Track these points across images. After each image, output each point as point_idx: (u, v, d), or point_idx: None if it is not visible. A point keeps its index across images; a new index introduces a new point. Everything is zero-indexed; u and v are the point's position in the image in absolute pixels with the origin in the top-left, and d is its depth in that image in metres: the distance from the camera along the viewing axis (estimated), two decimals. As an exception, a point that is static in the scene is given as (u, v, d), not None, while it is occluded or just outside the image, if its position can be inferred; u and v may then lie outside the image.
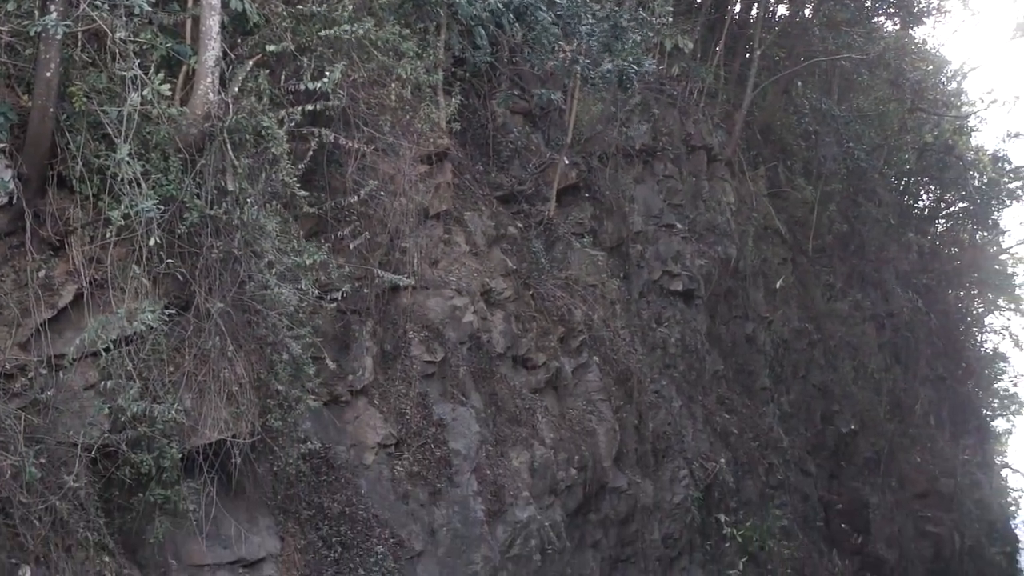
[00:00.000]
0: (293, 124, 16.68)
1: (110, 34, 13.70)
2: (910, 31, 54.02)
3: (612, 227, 30.03)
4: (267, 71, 16.17)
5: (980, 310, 70.63)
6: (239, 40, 16.33)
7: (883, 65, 48.80)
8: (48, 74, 13.15)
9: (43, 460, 12.64)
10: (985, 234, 66.96)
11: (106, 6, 13.57)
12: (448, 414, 20.27)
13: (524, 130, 27.65)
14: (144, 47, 14.38)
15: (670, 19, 30.30)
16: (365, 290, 19.16)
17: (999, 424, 74.00)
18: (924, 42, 57.47)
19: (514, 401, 22.51)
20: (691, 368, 32.61)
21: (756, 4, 44.09)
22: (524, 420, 22.50)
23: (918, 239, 59.56)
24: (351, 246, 18.90)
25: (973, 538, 50.95)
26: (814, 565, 36.03)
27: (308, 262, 16.18)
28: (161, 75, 13.99)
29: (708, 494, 30.26)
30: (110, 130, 13.70)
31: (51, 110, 13.33)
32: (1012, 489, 71.25)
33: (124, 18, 13.92)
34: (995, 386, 72.52)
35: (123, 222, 13.54)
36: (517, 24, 24.90)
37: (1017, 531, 64.79)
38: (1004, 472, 71.47)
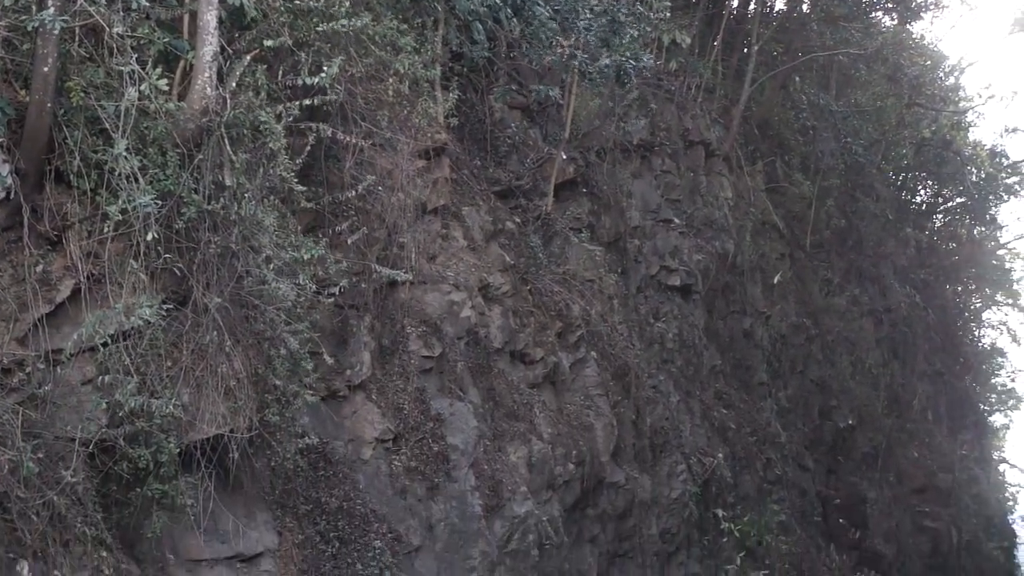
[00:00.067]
0: (291, 119, 16.69)
1: (107, 29, 13.71)
2: (908, 26, 54.00)
3: (610, 222, 30.04)
4: (265, 66, 16.17)
5: (978, 305, 70.62)
6: (237, 35, 16.32)
7: (881, 60, 48.81)
8: (45, 69, 13.15)
9: (41, 455, 12.64)
10: (983, 229, 66.96)
11: (103, 1, 13.58)
12: (446, 409, 20.27)
13: (522, 125, 27.65)
14: (142, 42, 14.37)
15: (668, 14, 30.27)
16: (363, 285, 19.16)
17: (997, 419, 74.02)
18: (922, 37, 57.50)
19: (512, 396, 22.51)
20: (689, 363, 32.61)
21: (753, -1, 44.16)
22: (522, 415, 22.50)
23: (916, 234, 59.56)
24: (349, 241, 18.89)
25: (971, 533, 50.97)
26: (812, 560, 36.04)
27: (306, 257, 16.17)
28: (159, 70, 13.99)
29: (706, 489, 30.26)
30: (107, 125, 13.69)
31: (48, 105, 13.32)
32: (1010, 484, 71.27)
33: (121, 13, 13.93)
34: (993, 381, 72.51)
35: (121, 217, 13.54)
36: (515, 19, 24.92)
37: (1015, 526, 64.84)
38: (1002, 467, 71.48)
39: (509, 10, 24.44)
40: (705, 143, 37.27)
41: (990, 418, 71.54)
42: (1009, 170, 62.52)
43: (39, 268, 13.51)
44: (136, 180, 13.61)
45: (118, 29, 13.73)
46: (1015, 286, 69.37)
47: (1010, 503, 69.08)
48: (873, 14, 50.54)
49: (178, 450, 14.04)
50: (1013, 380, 73.40)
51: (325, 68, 16.84)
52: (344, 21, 17.05)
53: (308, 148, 17.73)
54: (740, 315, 37.35)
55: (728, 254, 36.10)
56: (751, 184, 40.26)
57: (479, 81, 26.08)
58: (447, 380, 20.65)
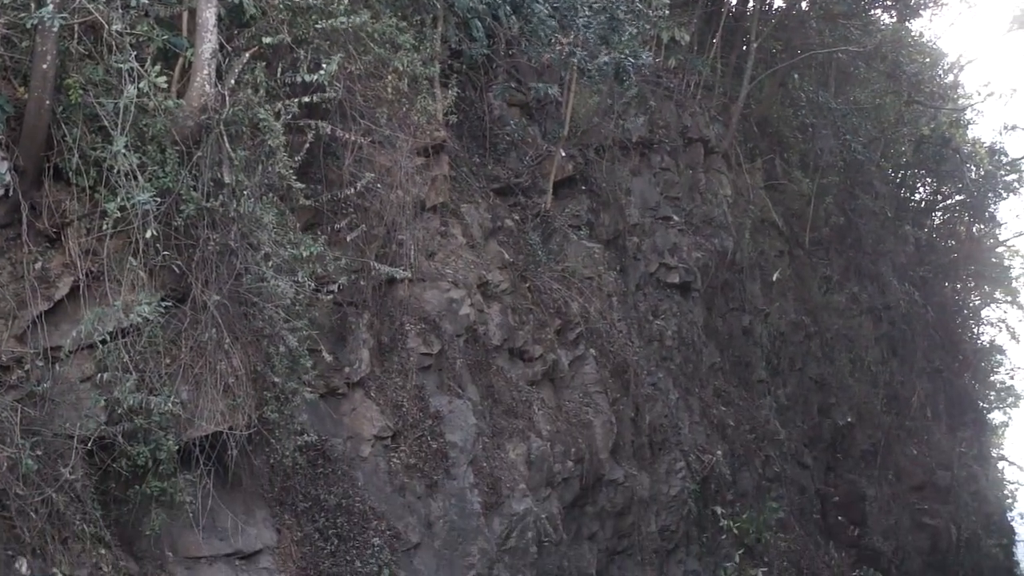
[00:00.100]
0: (290, 116, 16.67)
1: (106, 26, 13.72)
2: (907, 24, 53.95)
3: (609, 219, 30.03)
4: (263, 63, 16.17)
5: (977, 303, 70.53)
6: (235, 32, 16.32)
7: (880, 58, 48.76)
8: (44, 66, 13.15)
9: (39, 452, 12.66)
10: (982, 227, 66.89)
11: (102, -2, 13.60)
12: (445, 406, 20.28)
13: (521, 122, 27.63)
14: (140, 39, 14.39)
15: (667, 11, 30.27)
16: (362, 282, 19.16)
17: (996, 417, 73.93)
18: (921, 35, 57.48)
19: (511, 393, 22.52)
20: (688, 360, 32.61)
21: (753, -4, 44.11)
22: (521, 412, 22.51)
23: (915, 232, 59.56)
24: (348, 238, 18.89)
25: (970, 530, 50.94)
26: (811, 557, 36.05)
27: (305, 254, 16.18)
28: (157, 67, 14.00)
29: (705, 486, 30.27)
30: (106, 122, 13.71)
31: (47, 102, 13.33)
32: (1008, 481, 71.16)
33: (120, 10, 13.95)
34: (992, 379, 72.44)
35: (119, 214, 13.55)
36: (514, 16, 24.91)
37: (1014, 523, 64.81)
38: (1001, 465, 71.36)
39: (508, 7, 24.44)
40: (704, 140, 37.26)
41: (989, 415, 71.48)
42: (1008, 167, 62.51)
43: (38, 265, 13.52)
44: (135, 177, 13.63)
45: (117, 26, 13.74)
46: (1014, 283, 69.31)
47: (1009, 500, 69.00)
48: (872, 11, 50.52)
49: (177, 447, 14.05)
50: (1012, 377, 73.34)
51: (324, 65, 16.84)
52: (343, 18, 17.05)
53: (307, 145, 17.73)
54: (739, 312, 37.34)
55: (727, 251, 36.10)
56: (750, 181, 40.25)
57: (478, 78, 26.08)
58: (446, 377, 20.66)
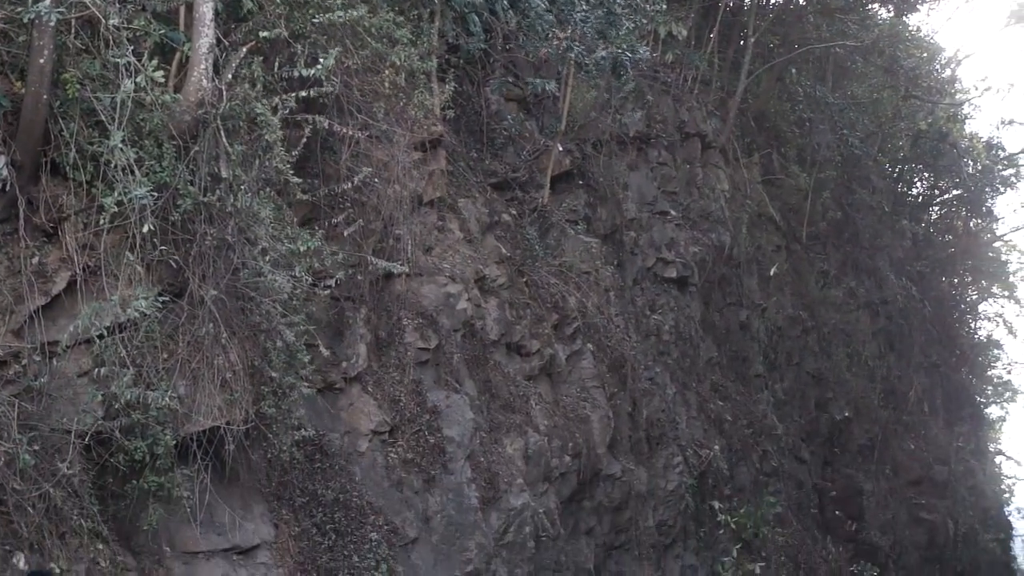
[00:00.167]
0: (287, 111, 16.66)
1: (103, 21, 13.70)
2: (904, 18, 53.99)
3: (606, 214, 30.04)
4: (261, 58, 16.15)
5: (974, 297, 70.57)
6: (233, 27, 16.31)
7: (877, 52, 48.75)
8: (41, 61, 13.13)
9: (37, 447, 12.65)
10: (979, 221, 66.92)
11: (99, -8, 13.58)
12: (442, 401, 20.29)
13: (518, 117, 27.62)
14: (137, 34, 14.38)
15: (664, 6, 30.29)
16: (359, 277, 19.16)
17: (993, 411, 73.95)
18: (918, 29, 57.36)
19: (508, 388, 22.52)
20: (685, 355, 32.62)
21: (750, -9, 44.08)
22: (518, 407, 22.51)
23: (912, 226, 59.55)
24: (345, 233, 18.88)
25: (967, 525, 50.97)
26: (808, 552, 36.08)
27: (302, 249, 16.18)
28: (155, 62, 13.99)
29: (702, 481, 30.29)
30: (103, 117, 13.69)
31: (44, 97, 13.31)
32: (1006, 476, 71.19)
33: (117, 5, 13.94)
34: (989, 373, 72.49)
35: (116, 209, 13.54)
36: (511, 11, 24.89)
37: (1011, 518, 64.89)
38: (998, 459, 71.39)
39: (505, 2, 24.42)
40: (701, 135, 37.25)
41: (986, 410, 71.53)
42: (1005, 162, 62.52)
43: (35, 260, 13.51)
44: (132, 172, 13.62)
45: (114, 21, 13.73)
46: (1011, 278, 69.36)
47: (1006, 495, 69.04)
48: (869, 6, 50.53)
49: (174, 442, 14.04)
50: (1009, 372, 73.40)
51: (321, 60, 16.83)
52: (340, 13, 17.05)
53: (304, 140, 17.71)
54: (736, 307, 37.36)
55: (724, 246, 36.10)
56: (747, 176, 40.27)
57: (475, 73, 26.06)
58: (443, 372, 20.66)
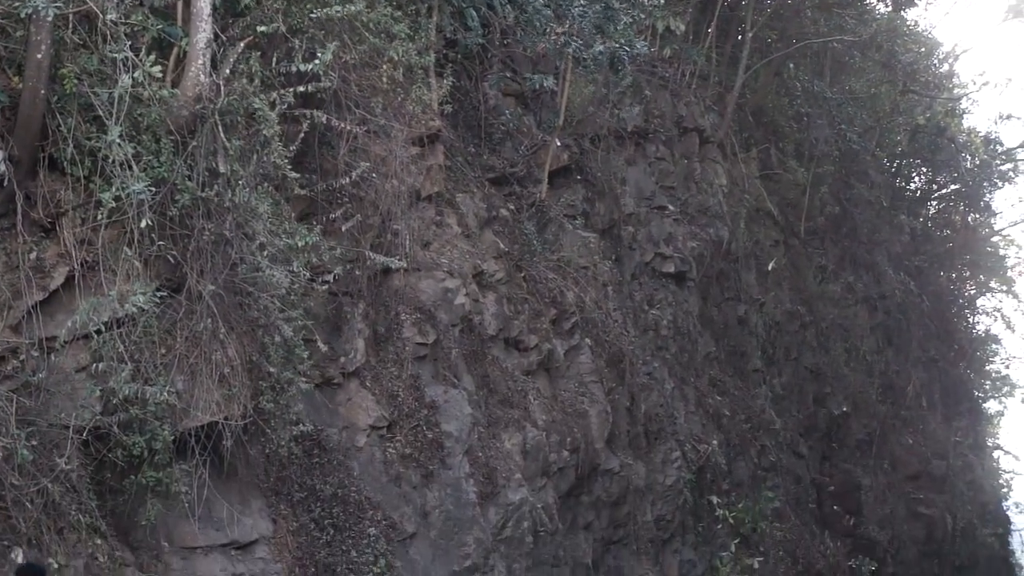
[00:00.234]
0: (285, 106, 16.65)
1: (101, 16, 13.70)
2: (902, 13, 53.87)
3: (604, 209, 30.03)
4: (258, 53, 16.15)
5: (972, 292, 70.44)
6: (230, 21, 16.30)
7: (875, 47, 48.76)
8: (39, 56, 13.13)
9: (35, 442, 12.65)
10: (977, 216, 66.82)
11: (97, -13, 13.57)
12: (440, 396, 20.30)
13: (516, 112, 27.60)
14: (135, 29, 14.37)
15: (662, 1, 30.28)
16: (357, 272, 19.16)
17: (991, 406, 73.81)
18: (916, 24, 57.35)
19: (506, 383, 22.53)
20: (683, 350, 32.62)
21: (748, -14, 44.03)
22: (516, 402, 22.52)
23: (910, 221, 59.47)
24: (343, 228, 18.88)
25: (965, 520, 50.94)
26: (806, 547, 36.08)
27: (300, 244, 16.18)
28: (152, 57, 13.98)
29: (700, 476, 30.30)
30: (101, 112, 13.69)
31: (42, 92, 13.31)
32: (1004, 471, 71.08)
33: (115, 0, 13.91)
34: (987, 368, 72.35)
35: (114, 204, 13.54)
36: (509, 6, 24.92)
37: (1009, 513, 64.87)
38: (996, 454, 71.29)
39: (503, -4, 24.47)
40: (699, 130, 37.22)
41: (984, 405, 71.41)
42: (1003, 157, 62.46)
43: (32, 255, 13.51)
44: (130, 167, 13.62)
45: (112, 16, 13.72)
46: (1009, 273, 69.26)
47: (1004, 490, 68.94)
48: (867, 1, 50.47)
49: (172, 437, 14.05)
50: (1008, 367, 73.26)
51: (319, 55, 16.82)
52: (338, 8, 17.05)
53: (302, 135, 17.71)
54: (734, 302, 37.35)
55: (722, 241, 36.10)
56: (745, 171, 40.23)
57: (473, 68, 26.04)
58: (441, 367, 20.67)
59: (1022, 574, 60.34)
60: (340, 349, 18.70)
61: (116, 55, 13.74)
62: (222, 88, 15.00)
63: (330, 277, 18.07)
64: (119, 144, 13.51)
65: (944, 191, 63.90)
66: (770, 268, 40.18)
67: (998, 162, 62.06)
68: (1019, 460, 71.24)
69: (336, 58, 17.45)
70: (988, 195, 63.93)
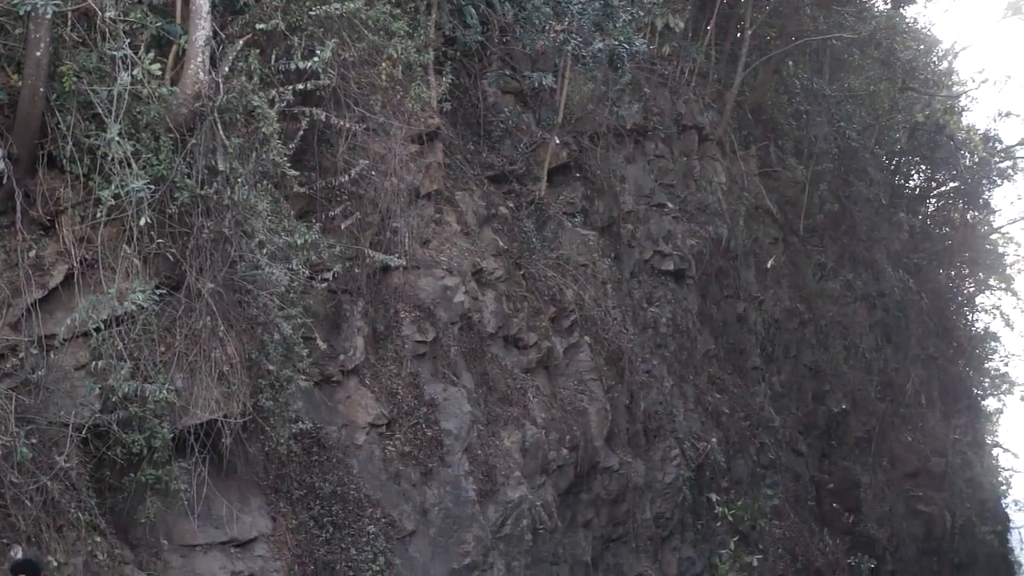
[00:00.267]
0: (284, 104, 16.66)
1: (100, 13, 13.69)
2: (901, 10, 53.89)
3: (603, 207, 30.03)
4: (257, 50, 16.15)
5: (971, 290, 70.45)
6: (229, 19, 16.30)
7: (874, 44, 48.73)
8: (38, 54, 13.12)
9: (34, 440, 12.66)
10: (976, 214, 66.83)
11: (96, -15, 13.56)
12: (439, 394, 20.30)
13: (515, 110, 27.59)
14: (134, 26, 14.38)
15: (661, -2, 30.30)
16: (356, 270, 19.16)
17: (990, 403, 73.84)
18: (915, 21, 57.29)
19: (505, 381, 22.52)
20: (682, 348, 32.62)
21: (747, -17, 44.02)
22: (515, 400, 22.52)
23: (909, 219, 59.48)
24: (342, 226, 18.88)
25: (964, 517, 50.98)
26: (805, 544, 36.09)
27: (299, 242, 16.17)
28: (151, 55, 13.99)
29: (699, 474, 30.30)
30: (100, 110, 13.69)
31: (41, 90, 13.30)
32: (1003, 468, 71.10)
33: (114, -3, 13.93)
34: (986, 365, 72.33)
35: (113, 202, 13.54)
36: (508, 3, 24.91)
37: (1008, 510, 64.90)
38: (995, 451, 71.32)
39: (502, -6, 24.46)
40: (698, 127, 37.22)
41: (983, 402, 71.43)
42: (1002, 154, 62.47)
43: (32, 253, 13.51)
44: (129, 165, 13.62)
45: (111, 14, 13.72)
46: (1008, 270, 69.27)
47: (1003, 487, 68.98)
48: (866, -2, 50.54)
49: (172, 435, 14.06)
50: (1007, 364, 73.23)
51: (318, 52, 16.82)
52: (337, 5, 17.05)
53: (301, 133, 17.70)
54: (734, 300, 37.35)
55: (721, 239, 36.09)
56: (744, 168, 40.22)
57: (472, 66, 26.03)
58: (440, 365, 20.67)
59: (1021, 571, 60.33)
60: (339, 347, 18.70)
61: (115, 53, 13.74)
62: (221, 86, 15.00)
63: (329, 275, 18.06)
64: (118, 142, 13.51)
65: (943, 189, 63.89)
66: (769, 266, 40.18)
67: (997, 159, 62.07)
68: (1018, 457, 71.26)
69: (335, 56, 17.45)
70: (987, 192, 63.94)
